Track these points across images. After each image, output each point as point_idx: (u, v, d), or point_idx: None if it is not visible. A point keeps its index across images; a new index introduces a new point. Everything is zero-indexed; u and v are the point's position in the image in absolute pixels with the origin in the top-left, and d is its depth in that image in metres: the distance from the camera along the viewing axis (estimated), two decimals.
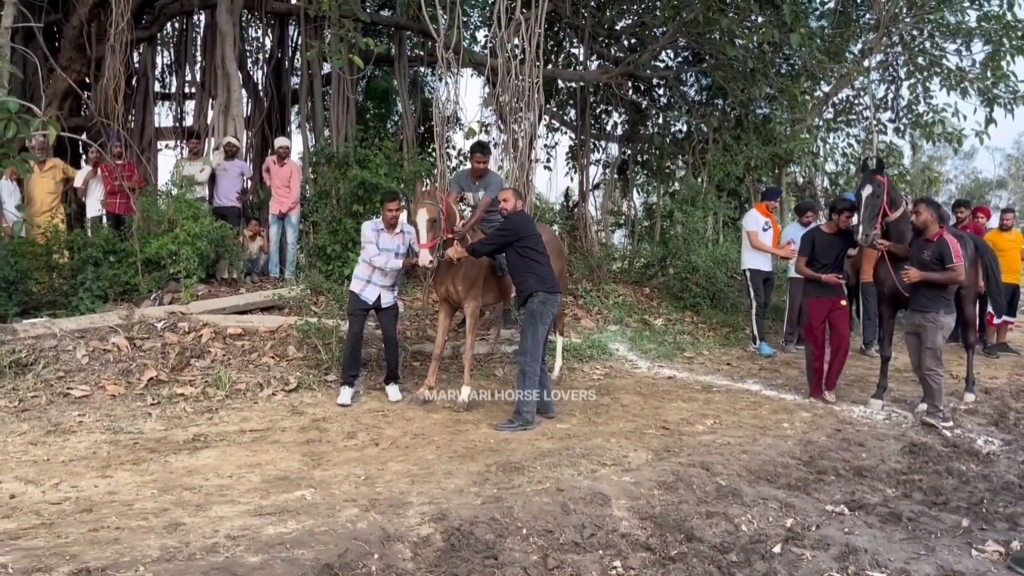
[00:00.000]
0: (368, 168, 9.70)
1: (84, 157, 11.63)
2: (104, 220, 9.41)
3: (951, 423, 6.41)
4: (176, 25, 13.98)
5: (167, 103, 14.80)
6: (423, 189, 6.56)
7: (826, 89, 14.16)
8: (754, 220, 9.75)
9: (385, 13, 14.62)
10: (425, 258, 6.24)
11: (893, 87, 13.63)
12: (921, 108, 12.85)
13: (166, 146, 14.85)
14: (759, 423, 6.30)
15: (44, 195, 9.29)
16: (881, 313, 7.30)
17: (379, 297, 6.65)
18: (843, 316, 7.20)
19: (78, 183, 9.61)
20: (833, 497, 4.72)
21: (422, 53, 14.49)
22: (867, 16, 12.92)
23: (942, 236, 6.34)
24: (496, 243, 6.18)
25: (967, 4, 11.66)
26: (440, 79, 9.42)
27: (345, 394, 6.53)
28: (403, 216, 6.85)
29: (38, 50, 9.01)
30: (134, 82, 12.58)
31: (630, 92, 15.02)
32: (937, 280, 6.31)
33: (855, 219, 6.84)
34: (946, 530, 4.29)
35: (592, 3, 13.49)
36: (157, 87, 14.07)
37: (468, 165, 7.52)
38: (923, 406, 6.67)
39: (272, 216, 9.82)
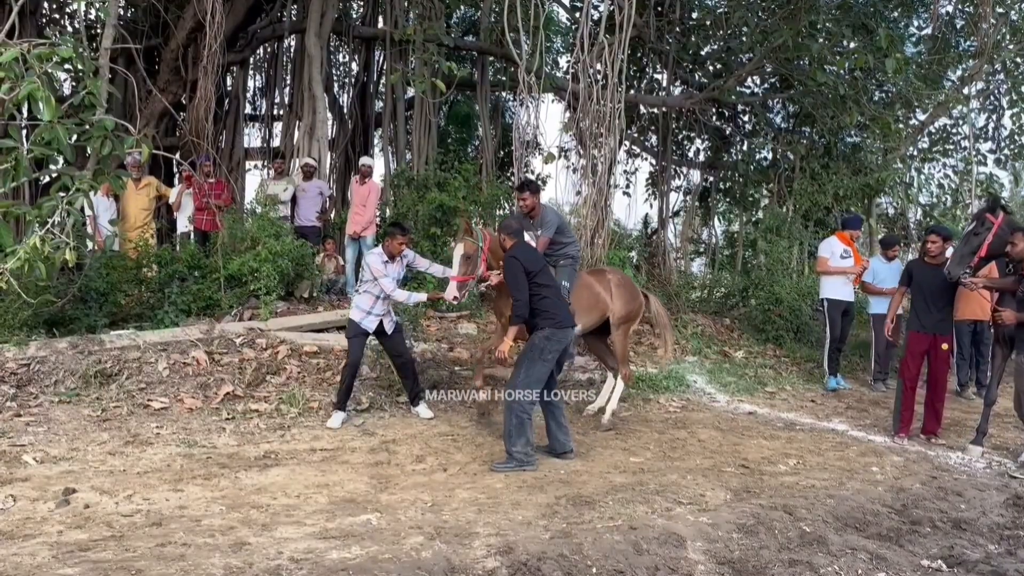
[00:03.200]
0: (446, 191, 9.71)
1: (177, 175, 12.08)
2: (191, 236, 9.69)
3: None
4: (268, 49, 14.46)
5: (257, 124, 15.28)
6: (466, 224, 6.37)
7: (922, 117, 13.62)
8: (827, 246, 9.39)
9: (469, 38, 14.78)
10: (451, 292, 6.14)
11: (994, 116, 13.04)
12: None
13: (254, 166, 15.31)
14: (846, 466, 5.94)
15: (138, 211, 9.61)
16: (994, 354, 6.83)
17: (380, 323, 6.58)
18: (943, 357, 6.83)
19: (172, 199, 9.95)
20: (929, 551, 4.37)
21: (504, 78, 14.56)
22: (967, 43, 12.37)
23: None
24: (518, 293, 5.56)
25: None
26: (521, 104, 9.41)
27: (337, 418, 6.38)
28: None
29: (138, 72, 9.39)
30: (226, 104, 13.04)
31: (714, 118, 14.76)
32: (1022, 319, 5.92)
33: (948, 250, 6.47)
34: None
35: (677, 28, 13.32)
36: (248, 109, 14.56)
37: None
38: None
39: (348, 237, 9.89)
